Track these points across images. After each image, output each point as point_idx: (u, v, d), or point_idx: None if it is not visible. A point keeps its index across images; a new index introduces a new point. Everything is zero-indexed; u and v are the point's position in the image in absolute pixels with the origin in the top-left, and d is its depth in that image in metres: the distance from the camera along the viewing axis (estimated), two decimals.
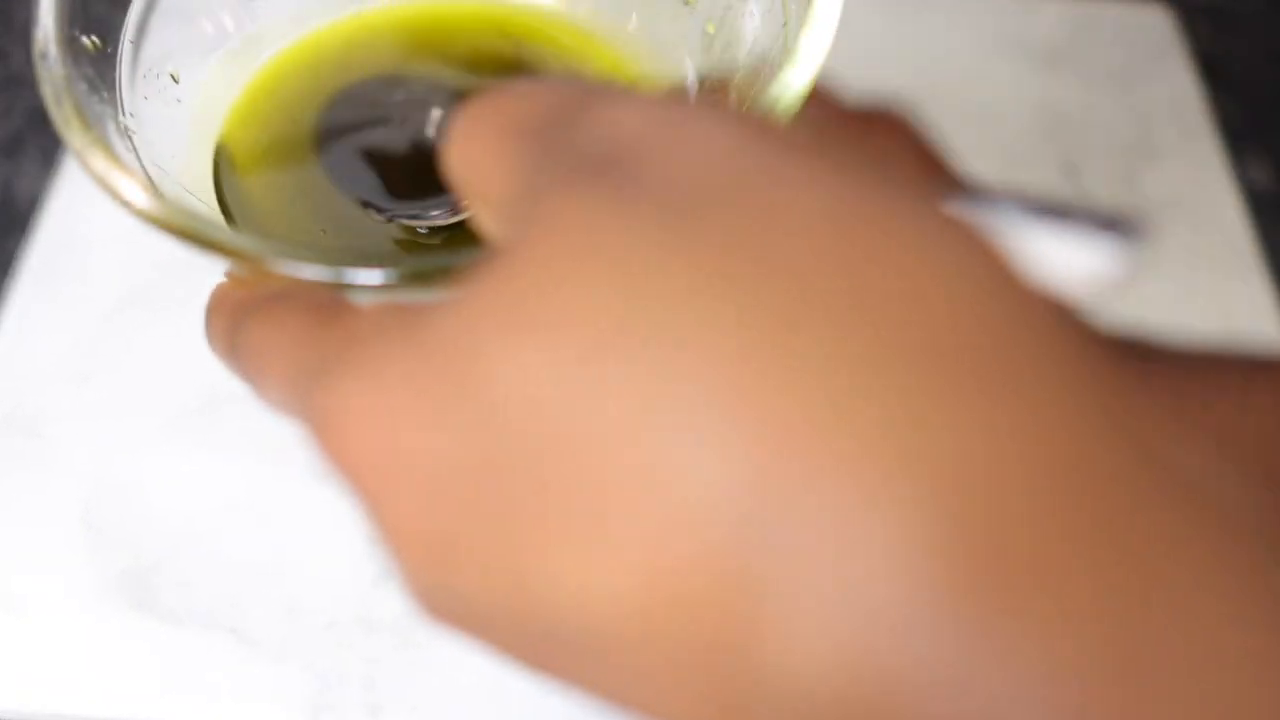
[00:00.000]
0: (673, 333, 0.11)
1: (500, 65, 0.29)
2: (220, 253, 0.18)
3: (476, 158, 0.14)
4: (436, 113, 0.27)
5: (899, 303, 0.10)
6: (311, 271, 0.17)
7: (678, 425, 0.10)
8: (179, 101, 0.25)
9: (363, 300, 0.16)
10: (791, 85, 0.22)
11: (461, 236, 0.25)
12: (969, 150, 0.43)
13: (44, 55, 0.21)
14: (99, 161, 0.20)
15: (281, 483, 0.33)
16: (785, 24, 0.24)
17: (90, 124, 0.21)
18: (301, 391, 0.14)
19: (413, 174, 0.26)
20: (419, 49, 0.29)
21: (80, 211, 0.39)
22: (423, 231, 0.25)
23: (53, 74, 0.21)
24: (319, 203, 0.26)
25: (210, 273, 0.18)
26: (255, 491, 0.33)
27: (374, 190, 0.26)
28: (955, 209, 0.11)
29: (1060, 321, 0.11)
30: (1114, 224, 0.12)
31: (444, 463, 0.12)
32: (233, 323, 0.17)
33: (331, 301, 0.15)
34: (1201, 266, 0.41)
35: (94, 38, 0.23)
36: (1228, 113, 0.46)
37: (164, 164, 0.23)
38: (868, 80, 0.45)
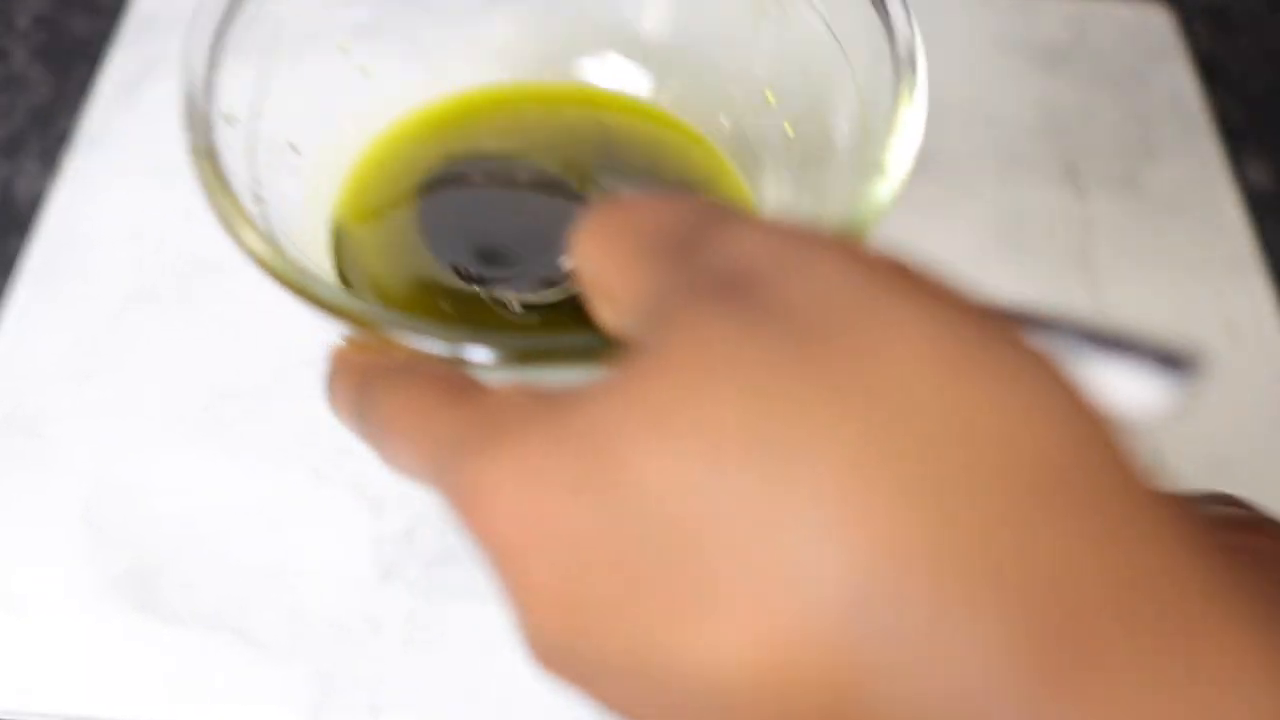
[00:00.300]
0: (793, 443, 0.12)
1: (592, 148, 0.31)
2: (352, 322, 0.19)
3: (606, 262, 0.16)
4: (548, 199, 0.29)
5: (993, 428, 0.12)
6: (438, 346, 0.19)
7: (795, 522, 0.12)
8: (297, 171, 0.27)
9: (485, 375, 0.17)
10: (877, 197, 0.22)
11: (566, 314, 0.26)
12: (969, 150, 0.43)
13: (190, 125, 0.23)
14: (242, 228, 0.21)
15: (286, 484, 0.33)
16: (865, 131, 0.25)
17: (229, 188, 0.22)
18: (438, 464, 0.16)
19: (517, 251, 0.28)
20: (519, 127, 0.31)
21: (80, 211, 0.39)
22: (527, 308, 0.27)
23: (197, 144, 0.23)
24: (426, 274, 0.27)
25: (219, 276, 0.18)
26: (259, 493, 0.33)
27: (478, 264, 0.27)
28: (1032, 338, 0.13)
29: (1128, 448, 0.13)
30: (1171, 358, 0.13)
31: (582, 539, 0.13)
32: (358, 389, 0.18)
33: (459, 377, 0.17)
34: (1201, 266, 0.41)
35: (231, 109, 0.24)
36: (1228, 113, 0.46)
37: (287, 229, 0.24)
38: None
